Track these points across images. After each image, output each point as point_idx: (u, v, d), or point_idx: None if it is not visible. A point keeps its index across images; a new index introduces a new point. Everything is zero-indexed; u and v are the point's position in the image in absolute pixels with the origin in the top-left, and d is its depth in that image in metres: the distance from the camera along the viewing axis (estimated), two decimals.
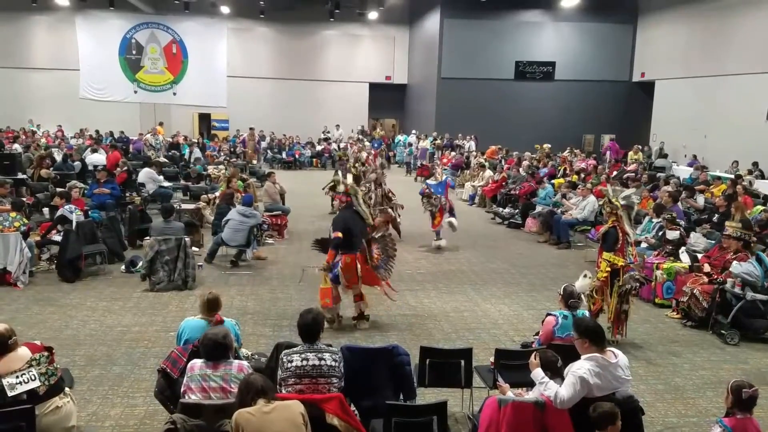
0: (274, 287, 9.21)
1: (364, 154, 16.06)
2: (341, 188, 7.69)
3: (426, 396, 5.74)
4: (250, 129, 26.26)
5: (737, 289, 7.43)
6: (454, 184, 13.64)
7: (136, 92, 30.50)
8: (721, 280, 7.70)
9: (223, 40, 30.56)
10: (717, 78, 21.28)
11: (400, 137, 26.20)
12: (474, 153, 21.93)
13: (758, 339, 7.49)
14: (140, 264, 9.34)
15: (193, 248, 10.97)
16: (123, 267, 9.71)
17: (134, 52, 30.21)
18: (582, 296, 5.66)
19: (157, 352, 6.46)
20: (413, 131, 26.69)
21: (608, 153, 22.96)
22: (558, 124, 26.10)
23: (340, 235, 7.31)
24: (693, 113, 22.41)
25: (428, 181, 12.72)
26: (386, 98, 31.58)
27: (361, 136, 27.29)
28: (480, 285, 9.71)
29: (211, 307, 4.95)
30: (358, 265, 7.42)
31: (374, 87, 31.44)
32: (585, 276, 5.71)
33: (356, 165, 13.46)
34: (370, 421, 4.68)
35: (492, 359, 5.42)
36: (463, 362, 5.28)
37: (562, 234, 12.35)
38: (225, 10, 29.08)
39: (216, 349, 4.16)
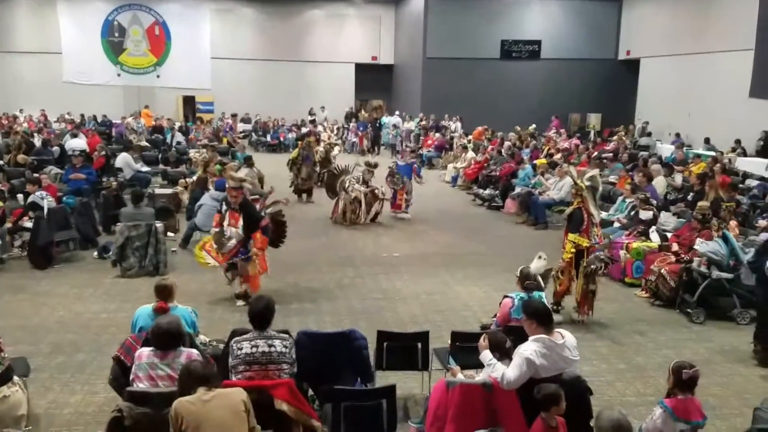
0: None
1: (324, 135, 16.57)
2: (233, 183, 7.65)
3: (390, 379, 5.79)
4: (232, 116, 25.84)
5: (703, 268, 7.48)
6: (420, 170, 14.03)
7: (119, 75, 30.27)
8: (688, 259, 7.76)
9: (206, 21, 30.29)
10: (701, 55, 21.23)
11: (386, 119, 26.03)
12: (458, 134, 21.85)
13: (724, 317, 7.56)
14: (112, 250, 9.31)
15: (169, 233, 10.98)
16: (96, 253, 9.67)
17: (117, 34, 29.91)
18: (538, 278, 5.68)
19: (123, 339, 6.45)
20: (396, 112, 26.56)
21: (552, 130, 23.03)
22: (544, 103, 25.96)
23: (268, 221, 7.91)
24: (677, 91, 22.39)
25: (397, 162, 13.39)
26: (373, 79, 31.33)
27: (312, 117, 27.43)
28: (454, 267, 9.74)
29: (159, 294, 4.95)
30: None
31: (361, 68, 31.18)
32: (540, 257, 5.74)
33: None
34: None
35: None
36: (420, 345, 5.32)
37: (540, 215, 12.39)
38: None
39: (164, 337, 4.16)
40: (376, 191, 12.55)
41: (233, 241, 7.54)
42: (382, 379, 5.49)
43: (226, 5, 30.05)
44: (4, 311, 7.44)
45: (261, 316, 4.41)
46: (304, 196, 14.87)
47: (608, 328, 7.34)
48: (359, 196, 12.26)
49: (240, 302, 7.70)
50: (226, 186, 7.83)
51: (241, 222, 7.51)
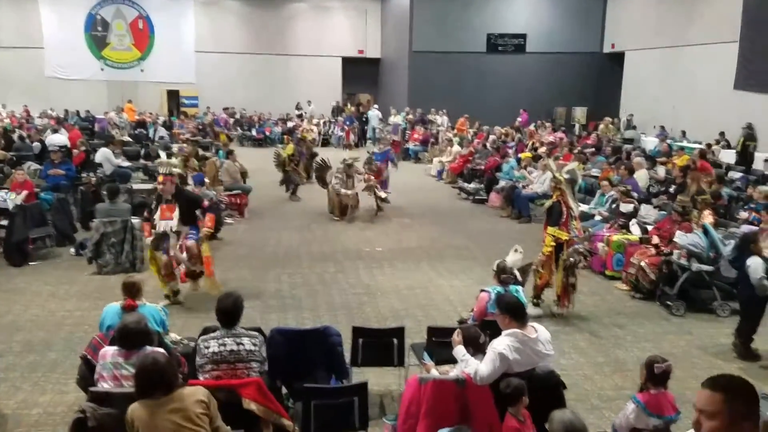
0: (227, 268, 9.08)
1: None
2: (163, 169, 7.44)
3: (367, 375, 5.72)
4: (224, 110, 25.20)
5: (683, 261, 7.46)
6: (394, 158, 14.50)
7: (102, 70, 29.95)
8: (668, 252, 7.74)
9: (190, 14, 30.03)
10: (684, 48, 21.26)
11: (371, 113, 25.93)
12: (444, 128, 21.78)
13: (705, 310, 7.54)
14: (88, 247, 9.17)
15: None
16: (72, 250, 9.54)
17: (100, 28, 29.59)
18: (515, 271, 5.63)
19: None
20: (375, 106, 26.44)
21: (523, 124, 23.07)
22: (530, 97, 25.92)
23: (207, 203, 7.71)
24: (662, 84, 22.43)
25: (375, 150, 14.07)
26: (360, 73, 31.19)
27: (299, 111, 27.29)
28: (437, 261, 9.69)
29: (127, 291, 4.85)
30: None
31: (348, 61, 31.03)
32: (515, 251, 5.68)
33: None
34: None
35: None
36: (396, 341, 5.26)
37: (523, 208, 12.35)
38: None
39: (128, 336, 4.06)
40: (372, 185, 12.52)
41: (185, 255, 7.30)
42: (359, 375, 5.41)
43: None
44: None
45: (229, 313, 4.32)
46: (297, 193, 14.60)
47: (588, 321, 7.31)
48: (347, 201, 12.23)
49: (163, 302, 6.97)
50: (158, 174, 7.49)
51: (177, 212, 7.21)
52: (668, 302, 7.53)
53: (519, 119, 23.73)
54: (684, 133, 19.07)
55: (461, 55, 26.11)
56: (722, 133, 18.19)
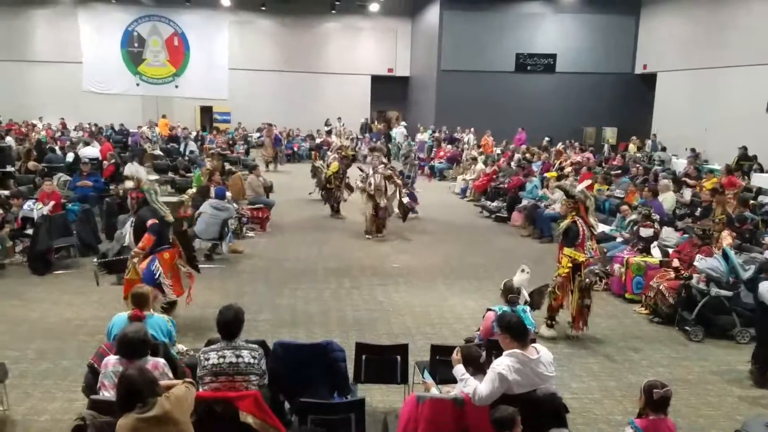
0: (243, 281, 9.19)
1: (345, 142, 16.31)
2: (130, 184, 7.28)
3: (373, 392, 5.71)
4: (268, 126, 24.02)
5: (702, 285, 7.29)
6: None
7: (138, 85, 30.71)
8: (687, 275, 7.57)
9: (224, 33, 30.65)
10: (718, 70, 20.93)
11: (395, 130, 26.08)
12: (468, 146, 21.74)
13: (724, 336, 7.35)
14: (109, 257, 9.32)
15: None
16: (95, 260, 9.69)
17: (136, 44, 30.38)
18: (523, 291, 5.57)
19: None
20: (403, 123, 26.56)
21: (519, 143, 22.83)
22: (559, 116, 25.79)
23: (156, 220, 6.91)
24: (693, 106, 22.10)
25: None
26: (389, 90, 31.44)
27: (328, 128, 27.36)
28: (453, 279, 9.63)
29: (135, 302, 4.92)
30: (177, 259, 7.07)
31: (376, 79, 31.32)
32: (522, 271, 5.61)
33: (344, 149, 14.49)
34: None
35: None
36: (399, 358, 5.23)
37: (545, 228, 12.22)
38: (226, 2, 29.15)
39: (129, 345, 4.11)
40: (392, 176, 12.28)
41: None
42: (364, 392, 5.40)
43: (244, 17, 30.39)
44: None
45: (229, 325, 4.35)
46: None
47: (603, 344, 7.17)
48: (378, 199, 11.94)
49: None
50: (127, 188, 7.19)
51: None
52: (686, 327, 7.36)
53: (517, 138, 23.52)
54: (705, 161, 18.74)
55: (489, 75, 26.13)
56: (755, 156, 17.79)
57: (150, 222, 6.82)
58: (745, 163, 16.91)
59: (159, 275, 6.64)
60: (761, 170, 17.44)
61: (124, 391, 3.37)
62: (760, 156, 17.74)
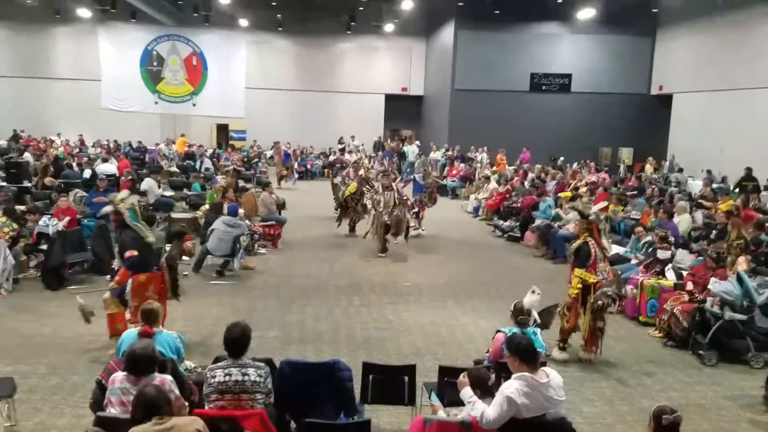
0: (254, 297, 9.20)
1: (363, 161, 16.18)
2: (109, 209, 7.21)
3: (380, 413, 5.66)
4: (275, 144, 24.56)
5: (716, 309, 7.18)
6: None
7: (156, 103, 31.11)
8: (701, 299, 7.47)
9: (241, 52, 31.02)
10: (734, 92, 20.83)
11: (407, 147, 26.19)
12: (480, 165, 21.74)
13: (739, 360, 7.23)
14: None
15: (184, 257, 11.08)
16: (109, 276, 9.76)
17: (155, 63, 30.82)
18: (533, 312, 5.52)
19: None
20: (416, 142, 26.69)
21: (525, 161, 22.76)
22: (574, 136, 25.77)
23: (135, 253, 6.76)
24: (709, 127, 21.97)
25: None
26: (403, 109, 31.62)
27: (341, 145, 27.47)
28: (464, 299, 9.58)
29: (144, 318, 4.94)
30: (152, 285, 6.84)
31: (391, 98, 31.50)
32: (533, 292, 5.57)
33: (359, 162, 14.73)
34: None
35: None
36: (406, 378, 5.18)
37: (558, 248, 12.14)
38: (244, 22, 29.50)
39: (136, 362, 4.12)
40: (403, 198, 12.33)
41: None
42: (371, 413, 5.36)
43: (262, 37, 30.74)
44: (9, 330, 7.54)
45: (236, 343, 4.35)
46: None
47: (616, 368, 7.07)
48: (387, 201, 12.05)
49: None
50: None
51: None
52: (700, 351, 7.25)
53: (521, 156, 23.49)
54: (724, 178, 18.56)
55: (503, 94, 26.20)
56: (755, 178, 17.59)
57: (128, 254, 6.77)
58: (748, 183, 16.85)
59: (128, 292, 6.70)
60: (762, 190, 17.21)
61: (142, 405, 3.42)
62: None
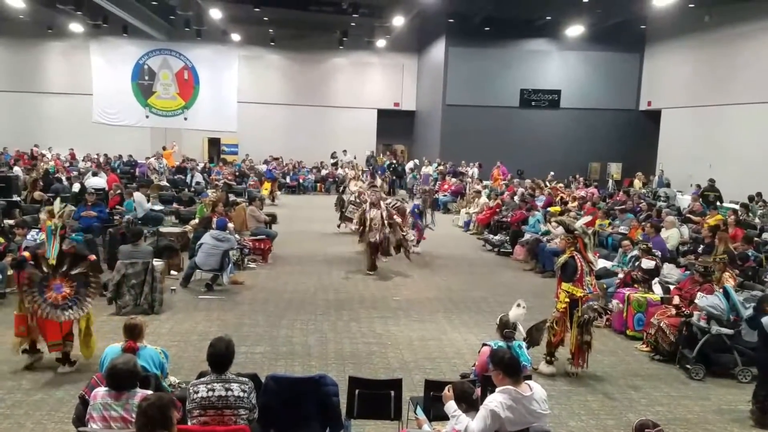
0: (243, 312, 9.17)
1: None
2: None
3: (367, 428, 5.64)
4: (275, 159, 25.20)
5: (703, 323, 7.21)
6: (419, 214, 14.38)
7: (148, 117, 30.96)
8: (688, 313, 7.51)
9: (234, 67, 30.98)
10: (723, 107, 21.08)
11: (407, 165, 26.43)
12: (471, 179, 21.85)
13: (726, 375, 7.25)
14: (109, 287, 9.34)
15: (172, 272, 11.06)
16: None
17: (147, 77, 30.74)
18: (518, 326, 5.53)
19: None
20: (416, 160, 26.89)
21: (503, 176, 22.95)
22: (564, 152, 25.97)
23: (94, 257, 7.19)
24: (698, 142, 22.21)
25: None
26: (395, 124, 31.76)
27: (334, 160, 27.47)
28: (454, 313, 9.58)
29: (128, 333, 4.91)
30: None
31: (383, 113, 31.66)
32: (518, 305, 5.59)
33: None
34: None
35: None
36: (392, 393, 5.17)
37: (547, 262, 12.15)
38: (236, 37, 29.60)
39: (117, 377, 4.10)
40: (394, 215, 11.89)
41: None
42: (357, 428, 5.35)
43: (254, 52, 30.84)
44: None
45: (220, 358, 4.33)
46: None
47: (602, 382, 7.09)
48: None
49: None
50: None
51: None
52: (687, 365, 7.26)
53: (495, 170, 23.55)
54: (699, 187, 19.00)
55: (493, 109, 26.40)
56: (759, 194, 17.73)
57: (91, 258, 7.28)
58: (710, 194, 17.38)
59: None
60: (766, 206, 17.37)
61: (145, 419, 3.41)
62: (765, 194, 17.68)
